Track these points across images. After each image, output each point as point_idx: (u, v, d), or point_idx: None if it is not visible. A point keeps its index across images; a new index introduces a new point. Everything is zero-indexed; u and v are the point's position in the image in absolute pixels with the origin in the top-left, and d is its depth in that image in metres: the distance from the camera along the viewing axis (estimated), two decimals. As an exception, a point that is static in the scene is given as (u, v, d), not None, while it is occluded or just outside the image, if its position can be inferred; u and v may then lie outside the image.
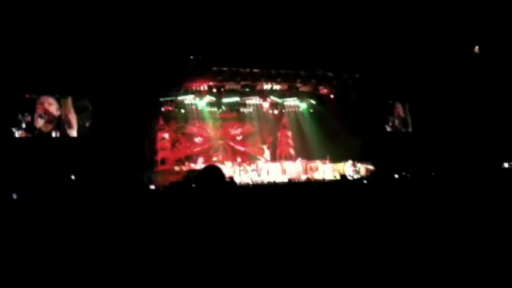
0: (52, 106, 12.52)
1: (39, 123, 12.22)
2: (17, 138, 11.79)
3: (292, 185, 13.23)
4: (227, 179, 3.05)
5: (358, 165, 16.27)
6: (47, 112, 12.37)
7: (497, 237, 3.38)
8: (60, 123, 12.55)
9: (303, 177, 16.21)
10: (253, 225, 2.87)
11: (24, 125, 11.96)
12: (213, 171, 3.00)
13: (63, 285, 2.92)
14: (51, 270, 3.07)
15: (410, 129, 17.47)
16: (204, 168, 3.15)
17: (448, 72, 15.16)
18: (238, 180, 15.46)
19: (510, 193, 4.52)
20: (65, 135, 12.63)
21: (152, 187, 11.99)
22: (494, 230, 3.50)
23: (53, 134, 12.47)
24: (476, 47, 14.60)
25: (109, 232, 3.68)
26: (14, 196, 7.73)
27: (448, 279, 2.96)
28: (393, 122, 17.51)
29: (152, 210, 4.24)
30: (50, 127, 12.38)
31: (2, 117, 11.30)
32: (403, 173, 10.68)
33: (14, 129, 11.73)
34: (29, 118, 12.04)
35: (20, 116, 11.86)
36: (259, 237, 2.80)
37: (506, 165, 10.42)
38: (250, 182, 15.03)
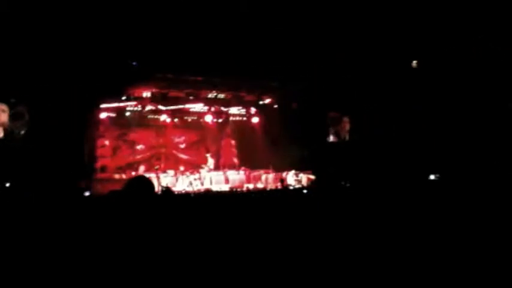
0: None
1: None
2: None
3: (233, 194, 13.22)
4: (162, 188, 3.03)
5: (300, 174, 16.52)
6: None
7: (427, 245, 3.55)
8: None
9: (246, 187, 16.26)
10: (189, 233, 2.85)
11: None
12: (139, 182, 2.96)
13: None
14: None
15: (351, 140, 17.94)
16: (130, 179, 3.10)
17: (388, 83, 15.69)
18: (180, 188, 15.30)
19: (434, 204, 4.76)
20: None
21: (88, 195, 11.61)
22: (423, 238, 3.67)
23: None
24: (414, 62, 15.25)
25: (43, 239, 3.54)
26: None
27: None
28: (335, 133, 17.91)
29: (89, 219, 4.11)
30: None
31: None
32: (343, 182, 10.95)
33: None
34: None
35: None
36: (195, 245, 2.79)
37: (432, 177, 10.93)
38: (192, 191, 14.88)
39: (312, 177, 15.78)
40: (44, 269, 2.96)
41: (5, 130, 11.67)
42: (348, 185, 10.85)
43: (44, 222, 4.25)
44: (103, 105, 15.72)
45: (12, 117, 12.01)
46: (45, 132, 11.87)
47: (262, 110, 19.05)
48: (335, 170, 14.11)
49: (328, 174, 13.84)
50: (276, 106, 18.20)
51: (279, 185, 15.44)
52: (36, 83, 11.42)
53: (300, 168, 16.50)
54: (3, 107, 11.78)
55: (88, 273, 2.63)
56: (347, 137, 17.66)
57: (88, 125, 13.96)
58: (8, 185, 10.35)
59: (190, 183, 16.12)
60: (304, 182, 16.19)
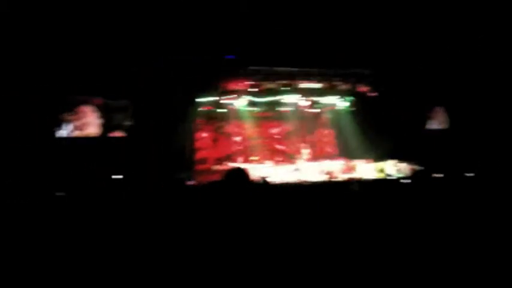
0: (93, 107, 12.82)
1: (80, 123, 12.54)
2: (58, 138, 12.13)
3: (330, 184, 13.04)
4: (258, 180, 3.04)
5: (401, 164, 15.86)
6: (87, 113, 12.69)
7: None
8: (100, 123, 12.84)
9: (343, 177, 15.95)
10: (285, 223, 2.82)
11: (65, 126, 12.31)
12: (235, 173, 2.97)
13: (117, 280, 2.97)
14: (97, 265, 3.13)
15: (452, 128, 16.90)
16: (227, 170, 3.13)
17: (490, 70, 14.60)
18: (277, 179, 15.41)
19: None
20: (104, 135, 12.87)
21: (191, 185, 12.14)
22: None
23: (93, 135, 12.73)
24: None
25: (148, 228, 3.73)
26: (59, 194, 7.95)
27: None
28: (435, 120, 16.98)
29: (190, 208, 4.27)
30: (90, 128, 12.69)
31: (44, 118, 11.64)
32: (447, 173, 10.33)
33: (55, 130, 12.10)
34: (70, 119, 12.38)
35: (61, 116, 12.21)
36: (292, 235, 2.75)
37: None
38: (289, 181, 14.91)
39: (414, 167, 15.08)
40: (153, 251, 3.11)
41: (102, 125, 12.61)
42: (452, 175, 10.21)
43: (149, 211, 4.48)
44: (200, 99, 16.27)
45: (117, 110, 12.96)
46: (149, 125, 12.64)
47: (358, 99, 18.53)
48: (438, 159, 13.39)
49: (431, 164, 13.17)
50: (373, 94, 17.61)
51: (377, 175, 14.94)
52: (141, 78, 12.16)
53: (399, 157, 15.85)
54: (92, 100, 12.72)
55: (191, 257, 2.70)
56: (451, 126, 16.68)
57: (188, 118, 14.59)
58: (119, 177, 11.16)
59: (287, 174, 16.17)
60: (405, 171, 15.50)
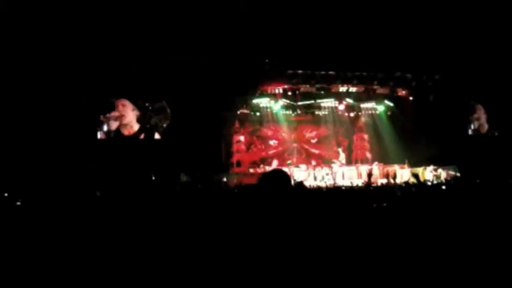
0: (130, 109, 13.12)
1: (118, 125, 12.87)
2: (99, 139, 12.51)
3: (368, 189, 12.88)
4: (295, 183, 3.08)
5: (439, 170, 15.55)
6: (126, 115, 13.01)
7: None
8: (139, 126, 13.13)
9: (380, 182, 15.76)
10: (323, 228, 2.86)
11: (105, 127, 12.66)
12: (277, 174, 3.02)
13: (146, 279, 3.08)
14: (132, 263, 3.26)
15: (493, 132, 16.39)
16: (269, 171, 3.18)
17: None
18: (312, 183, 15.40)
19: None
20: (146, 137, 13.18)
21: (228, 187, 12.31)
22: None
23: (131, 136, 13.04)
24: None
25: (184, 229, 3.85)
26: (98, 193, 8.21)
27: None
28: (475, 125, 16.52)
29: (226, 210, 4.36)
30: (129, 129, 13.01)
31: (85, 120, 12.02)
32: (487, 179, 10.04)
33: (97, 131, 12.48)
34: (110, 120, 12.74)
35: (101, 118, 12.59)
36: (329, 240, 2.79)
37: None
38: (324, 186, 14.87)
39: (453, 173, 14.74)
40: (185, 249, 3.21)
41: (139, 124, 12.90)
42: (492, 182, 9.92)
43: (186, 212, 4.60)
44: (238, 103, 16.45)
45: (155, 111, 13.24)
46: (187, 129, 12.88)
47: (396, 103, 18.29)
48: (480, 165, 13.03)
49: (472, 170, 12.83)
50: (410, 98, 17.34)
51: (413, 180, 14.66)
52: (180, 82, 12.41)
53: (438, 163, 15.53)
54: (126, 102, 13.03)
55: (226, 257, 2.78)
56: (491, 130, 16.17)
57: (226, 121, 14.78)
58: (153, 177, 11.44)
59: (323, 178, 16.13)
60: (443, 177, 15.18)
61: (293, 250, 2.55)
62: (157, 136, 13.25)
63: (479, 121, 16.45)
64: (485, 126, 16.39)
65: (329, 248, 2.90)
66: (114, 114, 12.84)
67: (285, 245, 2.55)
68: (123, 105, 13.02)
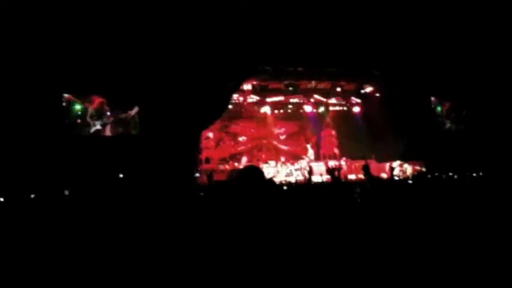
0: (102, 105, 12.81)
1: (89, 122, 12.57)
2: (71, 135, 12.17)
3: (333, 185, 13.05)
4: (266, 179, 3.08)
5: (405, 165, 15.90)
6: (97, 111, 12.69)
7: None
8: (109, 122, 12.84)
9: (348, 177, 15.99)
10: (291, 223, 2.88)
11: (74, 124, 12.34)
12: (252, 170, 3.03)
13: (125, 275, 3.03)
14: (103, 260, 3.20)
15: (459, 127, 16.83)
16: (244, 167, 3.18)
17: (498, 67, 14.51)
18: (281, 179, 15.49)
19: None
20: (114, 134, 12.87)
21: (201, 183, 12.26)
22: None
23: (100, 133, 12.73)
24: None
25: (156, 226, 3.81)
26: (66, 192, 8.03)
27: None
28: (441, 121, 16.93)
29: (198, 207, 4.33)
30: (99, 126, 12.71)
31: (51, 117, 11.65)
32: (451, 174, 10.34)
33: (67, 127, 12.14)
34: (80, 117, 12.40)
35: (70, 115, 12.26)
36: (297, 234, 2.81)
37: None
38: (293, 182, 14.97)
39: (419, 167, 15.10)
40: (166, 242, 3.18)
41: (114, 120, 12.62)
42: (456, 176, 10.22)
43: (160, 208, 4.55)
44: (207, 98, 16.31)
45: (129, 108, 12.98)
46: (157, 126, 12.68)
47: (363, 99, 18.57)
48: (446, 160, 13.35)
49: (437, 165, 13.16)
50: (377, 95, 17.63)
51: (383, 175, 14.95)
52: (148, 80, 12.20)
53: (405, 158, 15.87)
54: (100, 99, 12.72)
55: (204, 248, 2.76)
56: (457, 126, 16.57)
57: (193, 118, 14.61)
58: (122, 175, 11.24)
59: (291, 174, 16.23)
60: (409, 172, 15.53)
61: (273, 243, 2.56)
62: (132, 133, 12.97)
63: (445, 117, 16.87)
64: (452, 122, 16.81)
65: (306, 240, 2.92)
66: (91, 109, 12.55)
67: (265, 238, 2.55)
68: (98, 101, 12.72)
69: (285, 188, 8.75)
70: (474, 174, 10.68)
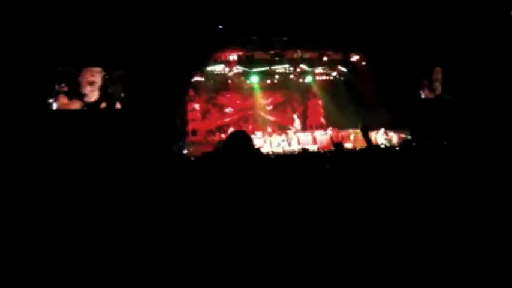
0: (90, 77, 12.57)
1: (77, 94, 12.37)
2: (55, 110, 12.02)
3: (321, 154, 13.15)
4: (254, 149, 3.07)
5: (391, 133, 16.03)
6: (86, 83, 12.46)
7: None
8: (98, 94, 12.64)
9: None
10: (278, 194, 2.88)
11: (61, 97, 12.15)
12: (241, 135, 3.02)
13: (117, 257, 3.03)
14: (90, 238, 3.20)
15: (446, 96, 16.90)
16: (232, 132, 3.16)
17: (488, 36, 14.47)
18: (268, 149, 15.53)
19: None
20: (106, 106, 12.69)
21: (184, 156, 12.21)
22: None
23: (91, 105, 12.54)
24: None
25: (142, 201, 3.80)
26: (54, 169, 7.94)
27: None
28: (427, 89, 16.98)
29: (184, 180, 4.33)
30: (89, 98, 12.52)
31: (38, 89, 11.48)
32: (437, 141, 10.44)
33: (50, 101, 11.96)
34: (67, 90, 12.18)
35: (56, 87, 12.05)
36: (284, 207, 2.82)
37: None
38: (281, 152, 15.04)
39: (404, 136, 15.24)
40: (143, 220, 3.18)
41: (100, 93, 12.52)
42: (445, 143, 10.33)
43: (146, 184, 4.54)
44: (192, 70, 16.15)
45: (111, 81, 12.81)
46: (140, 98, 12.57)
47: (349, 68, 18.51)
48: (431, 127, 13.47)
49: (422, 133, 13.29)
50: (363, 63, 17.58)
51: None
52: (132, 50, 12.02)
53: (390, 127, 15.98)
54: (98, 69, 12.58)
55: (185, 228, 2.77)
56: (440, 91, 16.63)
57: (179, 89, 14.49)
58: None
59: (278, 144, 16.29)
60: (395, 140, 15.68)
61: (266, 217, 2.57)
62: (117, 106, 12.80)
63: (432, 86, 16.91)
64: (438, 90, 16.86)
65: (298, 214, 2.94)
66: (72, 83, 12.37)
67: (258, 212, 2.55)
68: (83, 74, 12.50)
69: (271, 157, 8.77)
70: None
